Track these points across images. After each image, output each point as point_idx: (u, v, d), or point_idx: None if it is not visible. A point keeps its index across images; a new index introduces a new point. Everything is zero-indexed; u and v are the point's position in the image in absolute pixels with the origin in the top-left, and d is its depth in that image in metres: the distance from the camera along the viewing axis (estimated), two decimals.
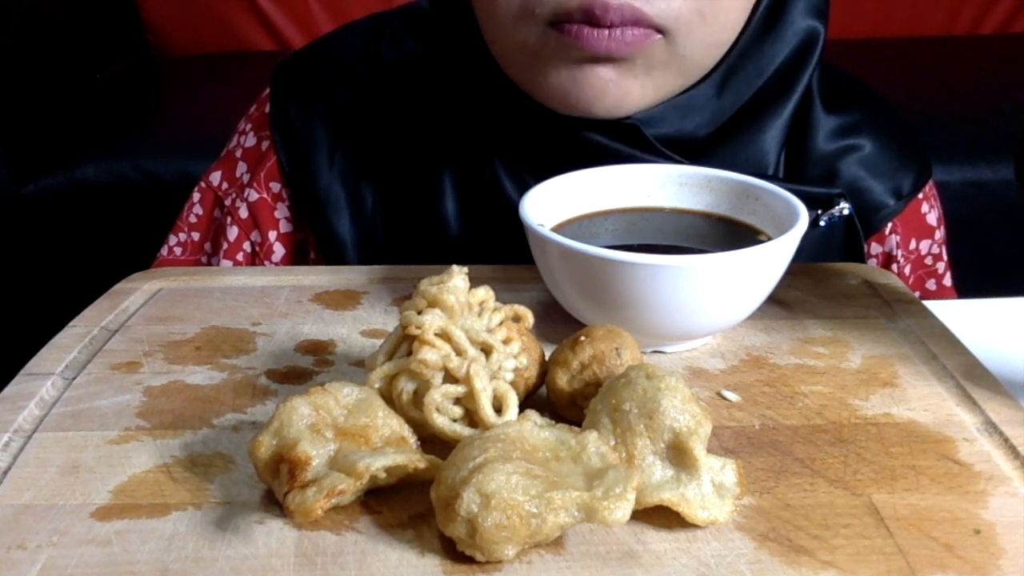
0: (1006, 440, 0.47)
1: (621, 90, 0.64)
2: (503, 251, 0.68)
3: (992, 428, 0.49)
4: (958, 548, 0.40)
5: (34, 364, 0.54)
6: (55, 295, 1.44)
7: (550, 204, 0.60)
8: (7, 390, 0.51)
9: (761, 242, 0.58)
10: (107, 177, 1.63)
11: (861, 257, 0.74)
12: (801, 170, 0.74)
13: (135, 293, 0.64)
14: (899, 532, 0.41)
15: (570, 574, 0.39)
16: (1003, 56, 2.22)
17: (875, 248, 0.80)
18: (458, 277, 0.47)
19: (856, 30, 2.31)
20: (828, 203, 0.70)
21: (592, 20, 0.60)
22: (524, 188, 0.71)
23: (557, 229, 0.59)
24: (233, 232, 0.77)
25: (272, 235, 0.77)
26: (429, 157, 0.73)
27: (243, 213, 0.77)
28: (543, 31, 0.62)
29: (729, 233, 0.61)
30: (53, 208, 1.64)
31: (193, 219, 0.80)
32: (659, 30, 0.61)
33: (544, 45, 0.62)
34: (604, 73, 0.63)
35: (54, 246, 1.67)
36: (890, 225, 0.79)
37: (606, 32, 0.60)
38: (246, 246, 0.77)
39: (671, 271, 0.51)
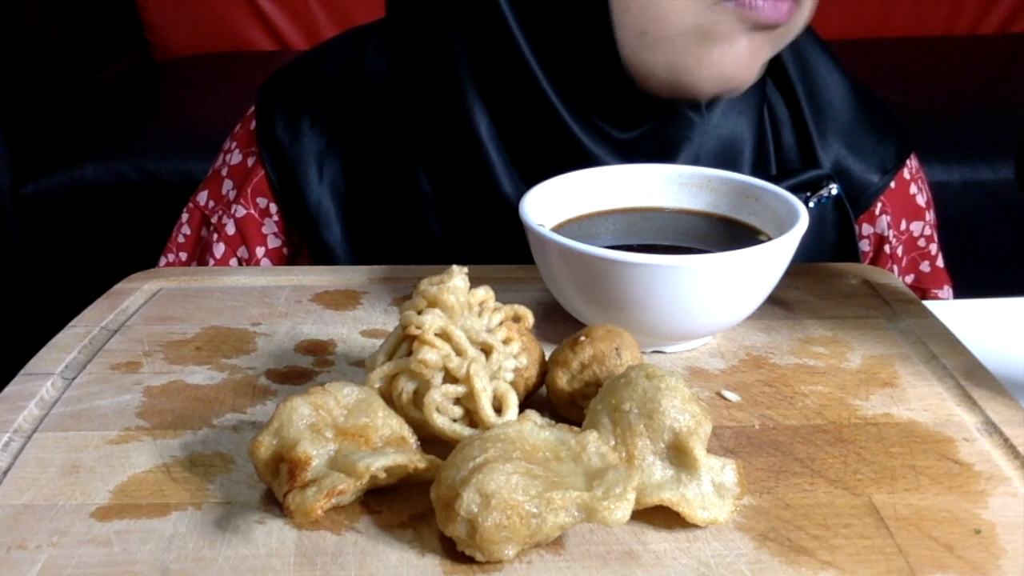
0: (1006, 440, 0.47)
1: (760, 63, 0.66)
2: (494, 257, 0.69)
3: (992, 428, 0.49)
4: (958, 548, 0.40)
5: (34, 364, 0.54)
6: (55, 295, 1.44)
7: (550, 204, 0.60)
8: (7, 390, 0.51)
9: (761, 242, 0.58)
10: (107, 177, 1.62)
11: (853, 237, 0.75)
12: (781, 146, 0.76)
13: (135, 293, 0.64)
14: (899, 532, 0.41)
15: (570, 574, 0.39)
16: (1003, 56, 2.22)
17: (866, 229, 0.81)
18: (458, 277, 0.47)
19: (856, 30, 2.31)
20: (816, 185, 0.71)
21: None
22: (518, 187, 0.71)
23: (557, 229, 0.59)
24: (220, 249, 0.78)
25: (260, 251, 0.78)
26: (414, 167, 0.74)
27: (230, 229, 0.78)
28: (716, 9, 0.62)
29: (729, 233, 0.61)
30: (53, 208, 1.64)
31: (181, 239, 0.81)
32: None
33: (718, 22, 0.63)
34: (760, 45, 0.65)
35: (54, 246, 1.67)
36: (879, 205, 0.80)
37: (774, 2, 0.62)
38: (233, 262, 0.78)
39: (671, 271, 0.51)
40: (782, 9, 0.63)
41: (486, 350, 0.46)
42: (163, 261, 0.81)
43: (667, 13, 0.63)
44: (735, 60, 0.64)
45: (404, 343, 0.46)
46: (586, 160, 0.68)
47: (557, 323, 0.59)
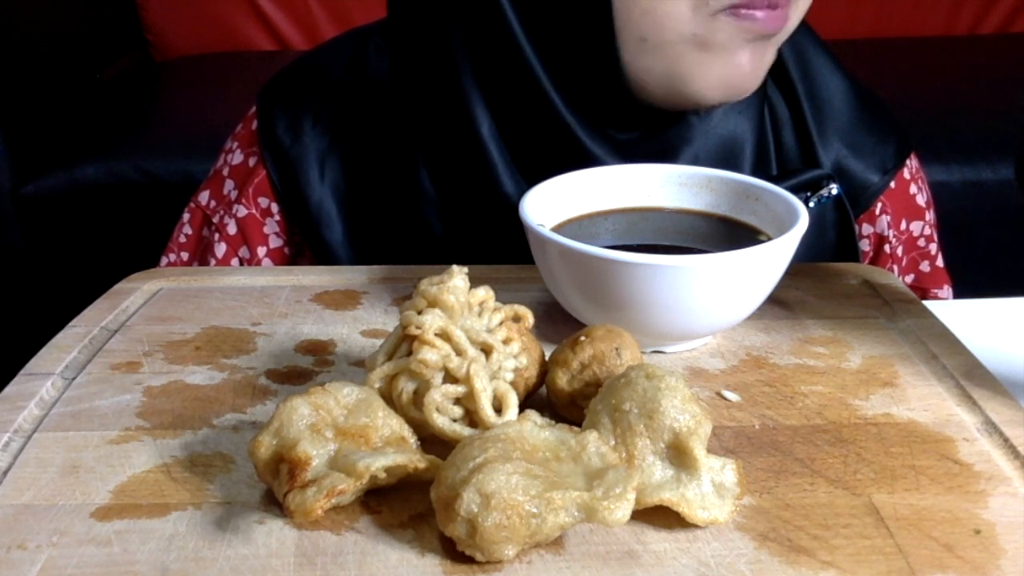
0: (1006, 440, 0.47)
1: (763, 69, 0.67)
2: (495, 257, 0.69)
3: (992, 428, 0.49)
4: (958, 548, 0.40)
5: (34, 364, 0.54)
6: (55, 295, 1.44)
7: (550, 204, 0.60)
8: (7, 390, 0.51)
9: (761, 242, 0.58)
10: (107, 177, 1.63)
11: (853, 237, 0.76)
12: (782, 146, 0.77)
13: (135, 293, 0.64)
14: (899, 532, 0.41)
15: (570, 574, 0.39)
16: (1003, 56, 2.22)
17: (866, 229, 0.81)
18: (458, 277, 0.47)
19: (856, 30, 2.31)
20: (816, 185, 0.71)
21: (772, 3, 0.62)
22: (519, 186, 0.71)
23: (557, 229, 0.59)
24: (221, 249, 0.78)
25: (261, 251, 0.78)
26: (415, 167, 0.74)
27: (231, 229, 0.78)
28: (714, 19, 0.62)
29: (729, 233, 0.61)
30: (53, 208, 1.64)
31: (183, 239, 0.81)
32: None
33: (716, 32, 0.63)
34: (761, 53, 0.65)
35: (54, 246, 1.67)
36: (880, 205, 0.80)
37: (773, 11, 0.63)
38: (234, 262, 0.78)
39: (671, 271, 0.51)
40: (780, 17, 0.63)
41: (486, 350, 0.46)
42: (164, 261, 0.81)
43: (665, 19, 0.63)
44: (736, 71, 0.65)
45: (404, 343, 0.46)
46: (587, 160, 0.68)
47: (557, 323, 0.59)
